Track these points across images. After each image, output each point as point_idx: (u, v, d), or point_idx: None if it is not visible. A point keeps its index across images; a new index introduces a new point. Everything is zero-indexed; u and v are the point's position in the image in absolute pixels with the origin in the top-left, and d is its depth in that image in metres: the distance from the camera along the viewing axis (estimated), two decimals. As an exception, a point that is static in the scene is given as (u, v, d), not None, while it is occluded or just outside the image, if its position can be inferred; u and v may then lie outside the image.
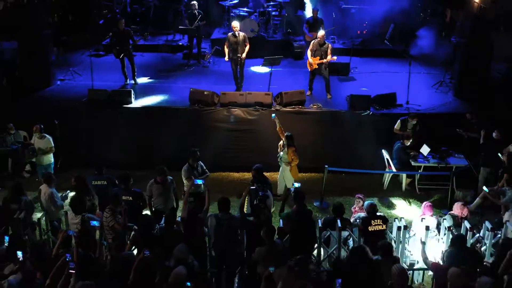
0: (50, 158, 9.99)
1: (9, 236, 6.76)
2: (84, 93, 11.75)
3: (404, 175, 10.73)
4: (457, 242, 6.76)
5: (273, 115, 10.08)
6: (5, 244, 6.71)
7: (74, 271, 5.56)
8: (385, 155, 10.79)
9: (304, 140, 11.13)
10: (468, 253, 6.62)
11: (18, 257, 5.81)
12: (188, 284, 5.70)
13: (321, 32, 11.95)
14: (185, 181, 8.60)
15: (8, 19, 13.76)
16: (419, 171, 10.63)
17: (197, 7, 13.94)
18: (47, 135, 9.94)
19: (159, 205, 8.25)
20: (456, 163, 10.49)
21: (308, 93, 12.02)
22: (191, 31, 13.96)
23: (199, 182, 7.81)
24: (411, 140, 10.63)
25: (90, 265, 6.14)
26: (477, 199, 9.36)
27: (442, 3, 16.16)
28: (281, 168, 9.88)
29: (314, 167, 10.95)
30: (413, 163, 10.53)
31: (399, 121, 10.87)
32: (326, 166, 9.97)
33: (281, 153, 9.76)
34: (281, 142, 9.87)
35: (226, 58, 12.07)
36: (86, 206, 7.41)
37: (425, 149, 10.57)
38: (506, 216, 7.78)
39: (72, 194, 8.30)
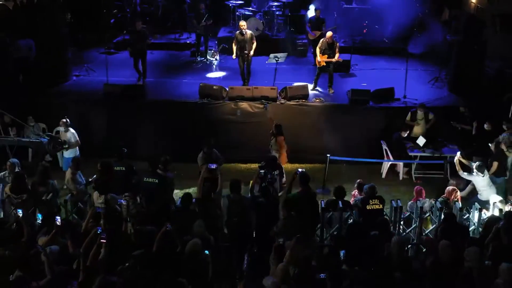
0: (76, 150, 10.61)
1: (42, 213, 7.43)
2: (99, 88, 12.45)
3: (401, 165, 11.43)
4: (449, 219, 7.48)
5: (267, 103, 10.82)
6: (38, 221, 7.41)
7: (105, 241, 6.23)
8: (384, 145, 11.49)
9: (307, 131, 11.90)
10: (458, 229, 7.32)
11: (57, 221, 6.48)
12: (207, 252, 6.40)
13: (329, 33, 12.62)
14: (200, 167, 9.29)
15: (23, 17, 14.51)
16: (416, 160, 11.31)
17: (204, 7, 14.65)
18: (72, 129, 10.56)
19: None
20: (450, 153, 11.14)
21: (312, 87, 12.68)
22: (199, 29, 14.66)
23: (213, 166, 8.50)
24: (408, 132, 11.35)
25: (117, 238, 6.84)
26: (469, 185, 10.01)
27: (440, 3, 16.81)
28: None
29: (316, 157, 11.63)
30: (410, 153, 11.22)
31: (409, 112, 11.63)
32: (328, 155, 10.66)
33: (272, 141, 10.49)
34: (271, 131, 10.58)
35: (234, 56, 12.75)
36: (109, 188, 8.10)
37: (421, 140, 11.25)
38: (492, 198, 8.49)
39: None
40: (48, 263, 5.95)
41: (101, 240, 6.24)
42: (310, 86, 12.60)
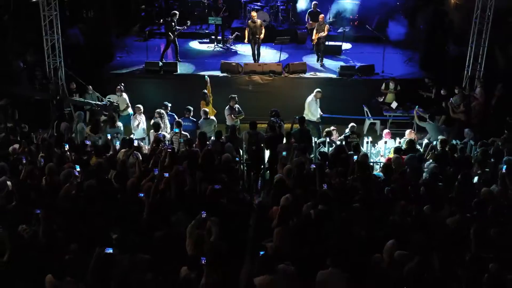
0: (129, 110, 13.58)
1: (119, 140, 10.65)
2: (139, 65, 15.67)
3: (378, 122, 14.61)
4: (409, 145, 10.71)
5: (206, 76, 13.90)
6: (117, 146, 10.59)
7: (170, 150, 9.41)
8: (365, 108, 14.70)
9: (305, 98, 14.98)
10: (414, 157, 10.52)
11: (134, 143, 9.72)
12: (237, 159, 9.59)
13: (321, 15, 15.94)
14: (227, 117, 12.71)
15: (69, 10, 17.77)
16: (390, 118, 14.47)
17: (222, 1, 17.87)
18: (125, 94, 13.54)
19: None
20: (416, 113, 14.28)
21: (316, 59, 15.98)
22: (217, 21, 17.86)
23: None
24: (384, 97, 14.57)
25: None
26: (428, 135, 13.18)
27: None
28: None
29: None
30: (385, 114, 14.41)
31: (383, 83, 14.81)
32: (321, 113, 13.81)
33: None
34: None
35: (246, 40, 15.94)
36: (160, 128, 11.34)
37: (394, 104, 14.46)
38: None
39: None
40: (138, 163, 9.12)
41: (168, 150, 9.44)
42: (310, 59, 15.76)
